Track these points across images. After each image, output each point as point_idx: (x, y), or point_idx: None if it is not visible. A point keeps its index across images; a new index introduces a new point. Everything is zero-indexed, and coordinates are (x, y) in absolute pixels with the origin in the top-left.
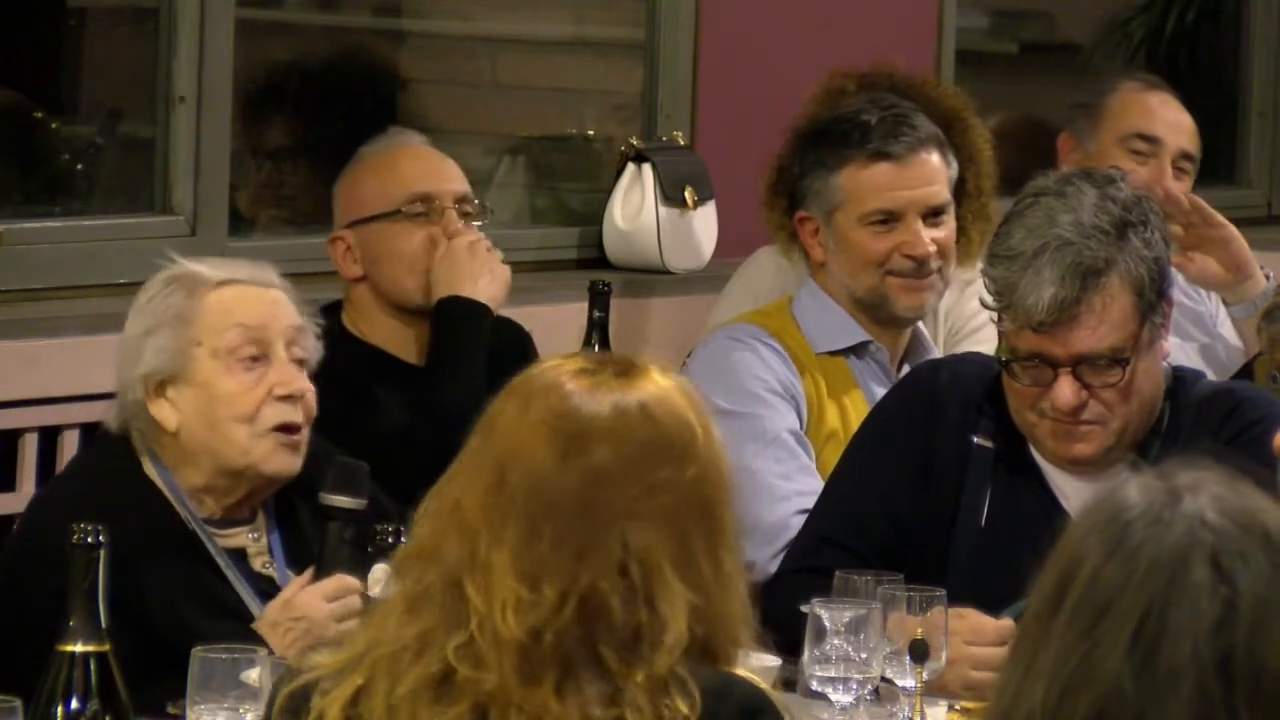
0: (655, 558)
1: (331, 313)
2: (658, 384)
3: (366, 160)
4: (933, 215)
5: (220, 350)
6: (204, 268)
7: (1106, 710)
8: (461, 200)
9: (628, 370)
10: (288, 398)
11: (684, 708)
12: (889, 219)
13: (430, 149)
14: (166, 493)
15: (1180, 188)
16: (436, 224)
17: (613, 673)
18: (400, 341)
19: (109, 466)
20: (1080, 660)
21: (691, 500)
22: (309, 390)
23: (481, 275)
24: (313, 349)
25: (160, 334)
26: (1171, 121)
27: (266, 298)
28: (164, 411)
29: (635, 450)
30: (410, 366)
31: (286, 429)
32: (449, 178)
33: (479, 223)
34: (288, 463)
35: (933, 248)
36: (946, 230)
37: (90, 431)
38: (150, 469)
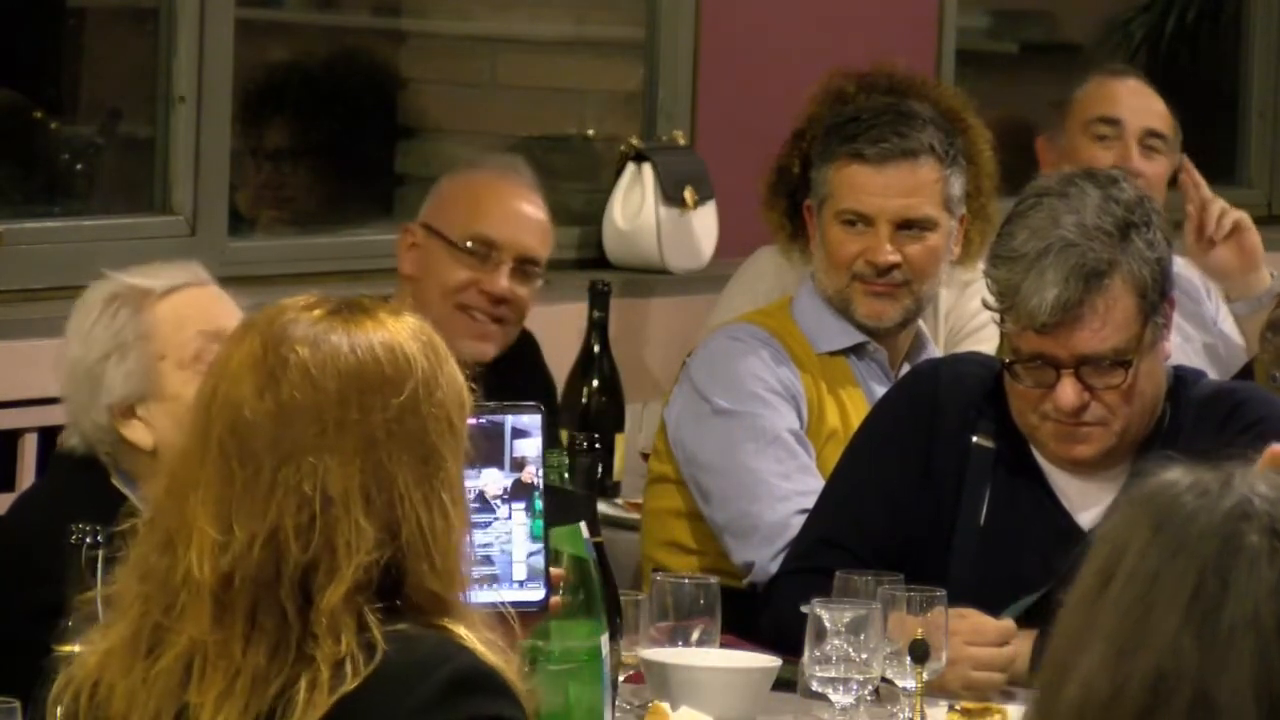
0: (343, 495)
1: None
2: (378, 321)
3: (474, 176)
4: (908, 228)
5: (186, 360)
6: (139, 279)
7: (1164, 669)
8: (525, 260)
9: (349, 308)
10: None
11: (348, 647)
12: (859, 221)
13: (526, 195)
14: (136, 503)
15: (1155, 168)
16: (490, 271)
17: (287, 618)
18: None
19: (75, 483)
20: (1136, 622)
21: (399, 434)
22: None
23: None
24: None
25: (122, 358)
26: (1134, 104)
27: (212, 295)
28: (137, 433)
29: (332, 384)
30: None
31: None
32: (523, 232)
33: (537, 284)
34: None
35: (895, 258)
36: (923, 246)
37: None
38: (117, 482)
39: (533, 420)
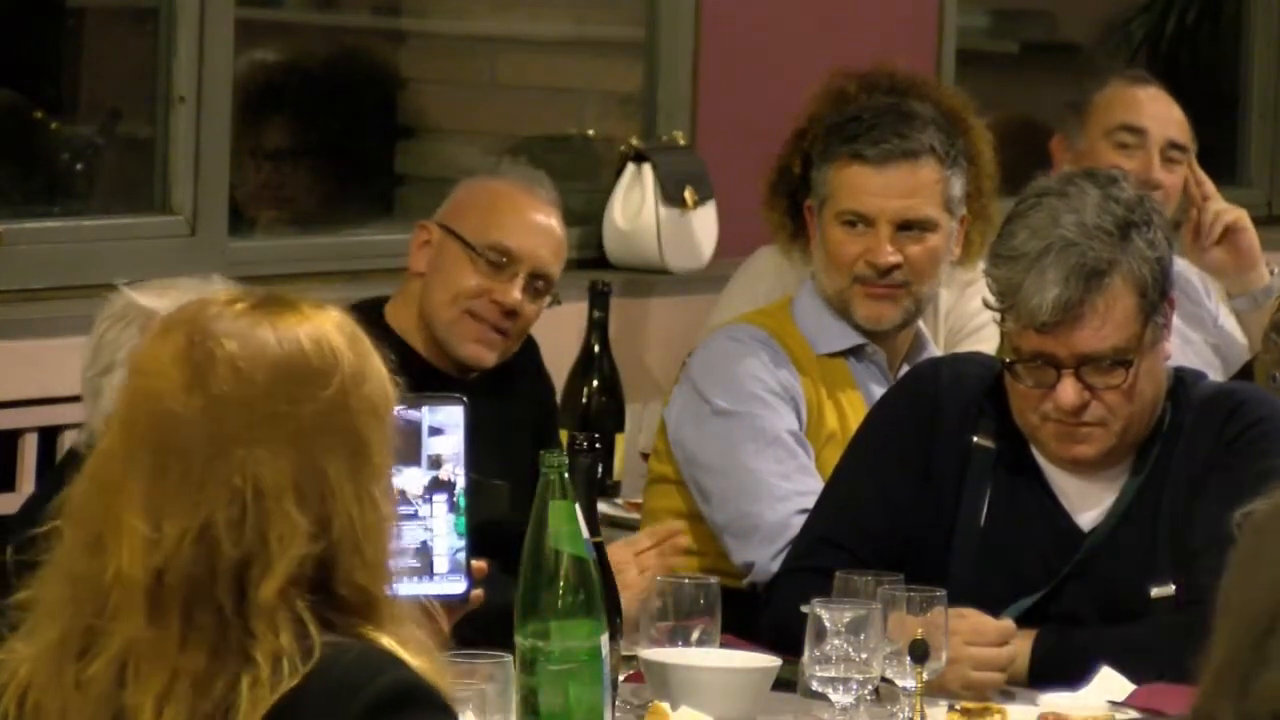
0: (275, 487)
1: (366, 309)
2: (302, 314)
3: (499, 185)
4: (909, 228)
5: None
6: (154, 300)
7: None
8: (537, 275)
9: (272, 302)
10: None
11: (287, 644)
12: (860, 221)
13: (546, 209)
14: None
15: (1174, 179)
16: (504, 281)
17: (224, 616)
18: (429, 348)
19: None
20: None
21: (329, 426)
22: None
23: None
24: None
25: (116, 375)
26: (1157, 113)
27: None
28: None
29: (261, 376)
30: (436, 370)
31: None
32: (541, 246)
33: (544, 302)
34: None
35: (896, 258)
36: (923, 247)
37: None
38: None
39: (450, 415)
